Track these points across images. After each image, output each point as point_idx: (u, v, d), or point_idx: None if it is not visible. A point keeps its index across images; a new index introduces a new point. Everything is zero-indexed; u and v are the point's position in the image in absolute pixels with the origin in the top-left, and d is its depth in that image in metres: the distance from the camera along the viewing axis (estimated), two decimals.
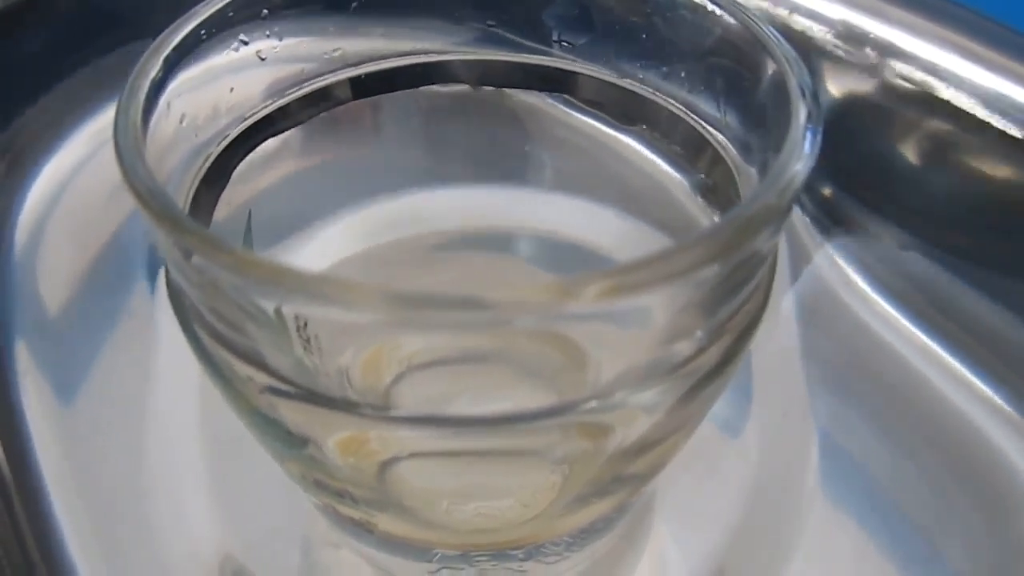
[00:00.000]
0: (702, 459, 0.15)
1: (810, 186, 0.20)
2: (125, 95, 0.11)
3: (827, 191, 0.20)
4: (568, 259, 0.16)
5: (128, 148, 0.11)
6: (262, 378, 0.11)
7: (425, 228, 0.16)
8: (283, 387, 0.11)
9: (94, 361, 0.17)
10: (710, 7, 0.13)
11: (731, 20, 0.13)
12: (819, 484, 0.16)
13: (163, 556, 0.15)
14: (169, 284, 0.12)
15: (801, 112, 0.11)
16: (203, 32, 0.13)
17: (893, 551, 0.15)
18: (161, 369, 0.16)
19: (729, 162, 0.14)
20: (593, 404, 0.11)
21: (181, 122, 0.13)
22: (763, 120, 0.13)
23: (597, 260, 0.16)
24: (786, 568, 0.15)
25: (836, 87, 0.20)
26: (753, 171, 0.13)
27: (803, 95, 0.12)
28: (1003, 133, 0.18)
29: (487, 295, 0.10)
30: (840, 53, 0.20)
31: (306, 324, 0.11)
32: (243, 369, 0.11)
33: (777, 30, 0.13)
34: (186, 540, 0.15)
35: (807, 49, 0.20)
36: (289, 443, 0.11)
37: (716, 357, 0.12)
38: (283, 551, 0.15)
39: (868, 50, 0.20)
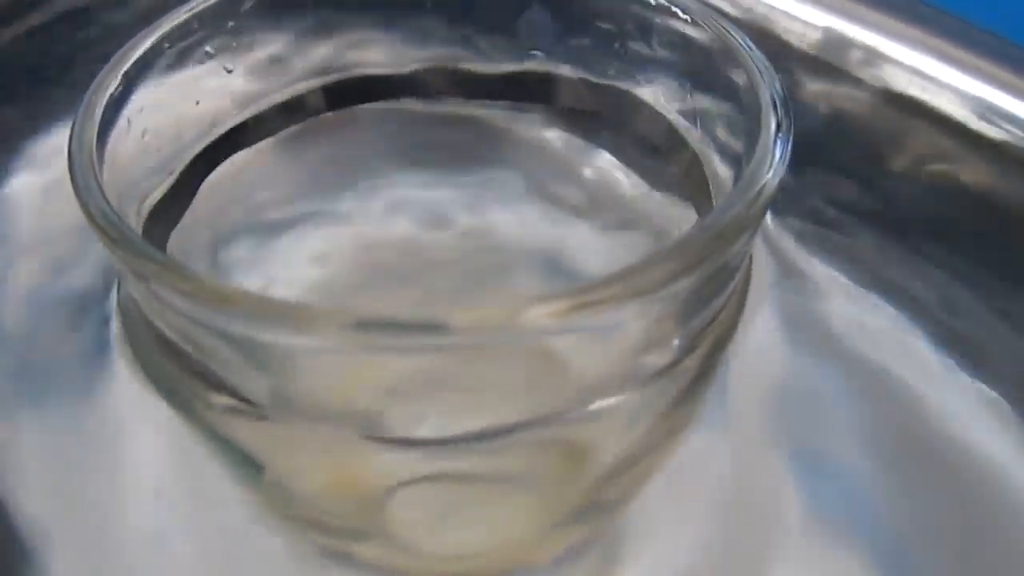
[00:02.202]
0: (680, 476, 0.15)
1: (791, 193, 0.19)
2: (81, 112, 0.11)
3: (809, 197, 0.19)
4: (548, 270, 0.16)
5: (83, 167, 0.10)
6: (228, 404, 0.11)
7: (401, 242, 0.16)
8: (252, 412, 0.11)
9: (62, 385, 0.16)
10: (683, 15, 0.13)
11: (704, 29, 0.13)
12: (799, 498, 0.15)
13: None
14: (124, 312, 0.11)
15: (771, 122, 0.11)
16: (166, 44, 0.13)
17: (874, 565, 0.15)
18: (133, 396, 0.16)
19: (705, 170, 0.14)
20: (570, 416, 0.11)
21: (143, 138, 0.12)
22: (736, 129, 0.13)
23: (578, 270, 0.16)
24: None
25: (819, 93, 0.20)
26: (728, 179, 0.13)
27: (774, 105, 0.12)
28: (987, 138, 0.18)
29: (451, 317, 0.09)
30: (823, 59, 0.20)
31: (273, 349, 0.10)
32: (207, 395, 0.11)
33: (760, 36, 0.13)
34: (161, 572, 0.14)
35: (790, 55, 0.20)
36: (253, 471, 0.11)
37: (693, 366, 0.12)
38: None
39: (851, 56, 0.20)
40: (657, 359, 0.12)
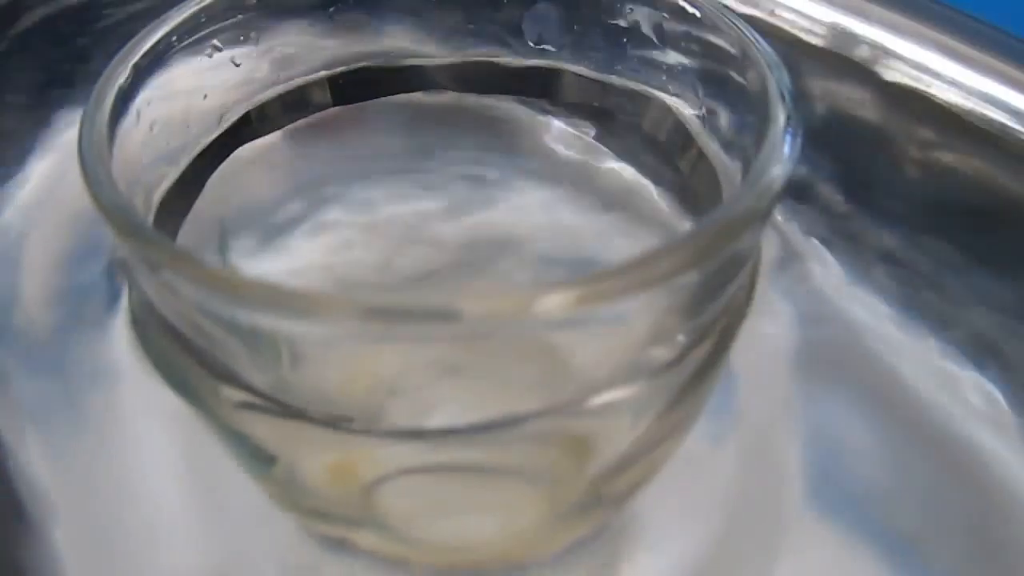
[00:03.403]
0: (684, 470, 0.15)
1: (799, 187, 0.19)
2: (91, 103, 0.11)
3: (817, 192, 0.19)
4: (556, 264, 0.16)
5: (92, 158, 0.10)
6: (239, 395, 0.11)
7: (408, 234, 0.16)
8: (261, 403, 0.11)
9: (70, 375, 0.17)
10: (691, 10, 0.13)
11: (712, 23, 0.13)
12: (804, 493, 0.15)
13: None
14: (132, 304, 0.11)
15: (780, 116, 0.11)
16: (174, 38, 0.13)
17: (880, 559, 0.15)
18: (140, 386, 0.16)
19: (713, 165, 0.14)
20: (575, 408, 0.11)
21: (151, 130, 0.12)
22: (745, 124, 0.13)
23: (585, 264, 0.16)
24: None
25: (826, 89, 0.20)
26: (737, 174, 0.13)
27: (783, 99, 0.12)
28: (993, 133, 0.18)
29: (460, 305, 0.09)
30: (830, 55, 0.20)
31: (283, 338, 0.10)
32: (217, 387, 0.11)
33: (767, 33, 0.13)
34: (167, 559, 0.14)
35: (797, 51, 0.20)
36: (264, 461, 0.11)
37: (698, 360, 0.12)
38: (263, 568, 0.14)
39: (858, 52, 0.19)
40: (663, 353, 0.12)
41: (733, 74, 0.13)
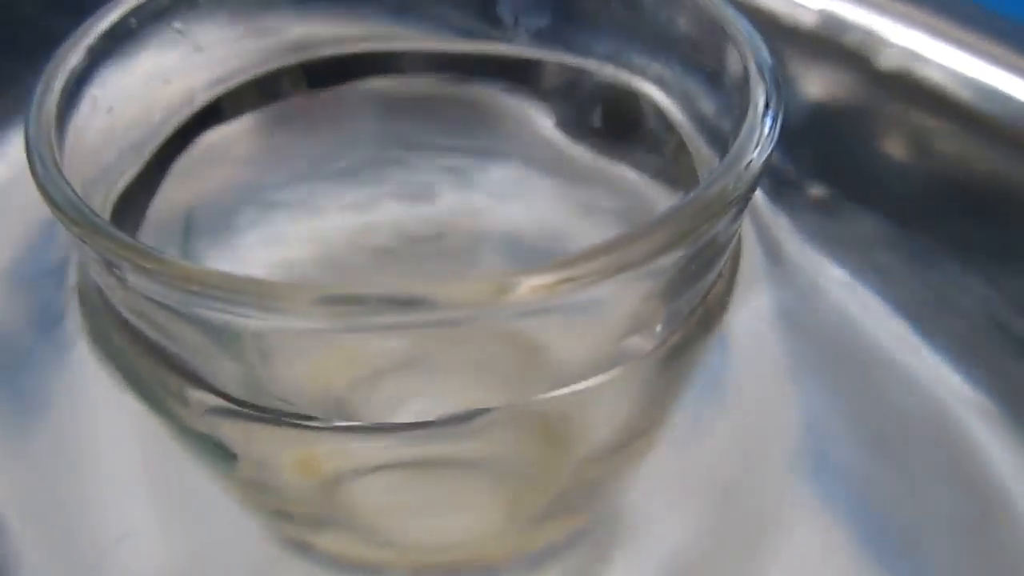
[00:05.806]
0: (671, 462, 0.15)
1: (786, 175, 0.19)
2: (39, 87, 0.11)
3: (805, 181, 0.19)
4: (533, 251, 0.16)
5: (40, 146, 0.10)
6: (199, 395, 0.10)
7: (383, 223, 0.16)
8: (221, 404, 0.10)
9: (27, 376, 0.16)
10: None
11: (693, 2, 0.13)
12: (794, 484, 0.15)
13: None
14: (84, 302, 0.11)
15: (760, 95, 0.11)
16: (132, 20, 0.12)
17: (871, 550, 0.15)
18: (102, 383, 0.16)
19: (691, 149, 0.13)
20: (550, 400, 0.11)
21: (109, 116, 0.12)
22: (725, 105, 0.12)
23: (563, 251, 0.15)
24: (761, 571, 0.14)
25: (817, 75, 0.19)
26: (716, 157, 0.13)
27: (763, 78, 0.11)
28: (986, 120, 0.18)
29: (430, 292, 0.09)
30: (821, 40, 0.19)
31: (243, 332, 0.10)
32: (179, 388, 0.10)
33: (757, 17, 0.12)
34: (129, 562, 0.14)
35: (787, 36, 0.20)
36: (224, 460, 0.11)
37: (677, 351, 0.12)
38: (229, 570, 0.14)
39: (850, 37, 0.19)
40: (641, 342, 0.11)
41: (715, 53, 0.12)
